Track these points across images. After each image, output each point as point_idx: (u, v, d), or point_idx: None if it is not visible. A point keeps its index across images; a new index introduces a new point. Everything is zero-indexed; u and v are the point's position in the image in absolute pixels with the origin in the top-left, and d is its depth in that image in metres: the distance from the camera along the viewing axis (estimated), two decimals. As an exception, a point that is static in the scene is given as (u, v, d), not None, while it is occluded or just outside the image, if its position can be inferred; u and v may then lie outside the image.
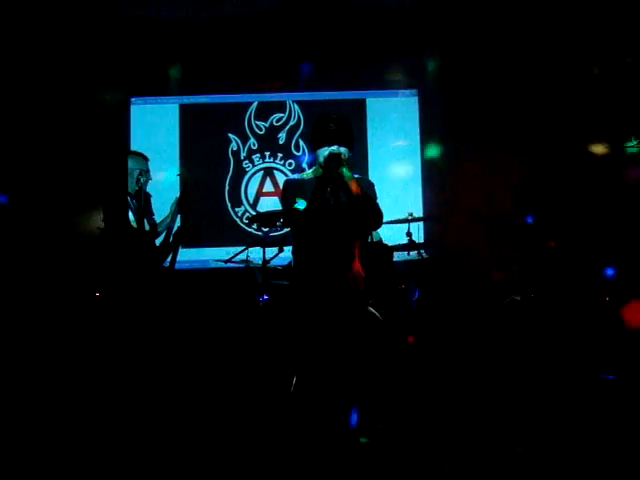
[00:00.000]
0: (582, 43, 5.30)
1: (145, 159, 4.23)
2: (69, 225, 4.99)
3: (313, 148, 3.14)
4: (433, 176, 5.83)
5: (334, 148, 3.00)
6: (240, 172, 5.92)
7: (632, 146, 4.92)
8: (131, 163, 4.13)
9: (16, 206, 4.99)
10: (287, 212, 3.11)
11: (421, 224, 5.02)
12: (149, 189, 4.27)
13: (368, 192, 3.05)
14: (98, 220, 4.01)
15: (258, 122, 5.95)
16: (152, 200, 4.31)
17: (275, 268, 4.64)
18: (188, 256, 5.54)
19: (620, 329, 4.24)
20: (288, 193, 3.09)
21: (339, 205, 3.00)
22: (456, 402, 3.53)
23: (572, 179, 5.24)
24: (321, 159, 3.04)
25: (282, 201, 3.17)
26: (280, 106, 5.97)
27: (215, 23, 5.64)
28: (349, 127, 3.11)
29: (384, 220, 3.13)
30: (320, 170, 3.04)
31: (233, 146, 5.92)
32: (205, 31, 5.68)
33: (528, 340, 4.48)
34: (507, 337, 4.62)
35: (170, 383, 3.77)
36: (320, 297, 3.00)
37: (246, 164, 5.92)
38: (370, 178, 5.60)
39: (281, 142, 5.95)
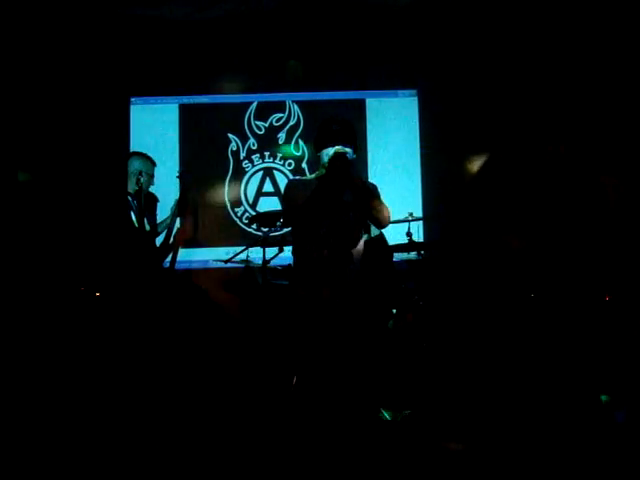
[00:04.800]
0: (583, 43, 5.31)
1: (152, 164, 4.23)
2: (69, 225, 4.99)
3: (317, 149, 3.15)
4: (433, 176, 5.83)
5: (339, 147, 3.00)
6: (240, 172, 5.92)
7: None
8: (137, 164, 4.13)
9: (17, 206, 4.99)
10: (288, 210, 3.11)
11: (421, 224, 5.02)
12: (152, 191, 4.28)
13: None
14: (98, 220, 4.02)
15: (258, 122, 5.95)
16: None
17: (275, 268, 4.64)
18: (188, 256, 5.54)
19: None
20: (290, 192, 3.09)
21: (343, 204, 3.00)
22: (457, 402, 3.53)
23: (576, 181, 5.24)
24: (325, 159, 3.04)
25: (283, 201, 3.18)
26: (280, 106, 5.97)
27: (215, 23, 5.65)
28: (353, 129, 3.14)
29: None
30: (323, 171, 3.04)
31: (233, 146, 5.93)
32: (205, 31, 5.68)
33: (528, 340, 4.49)
34: (507, 337, 4.62)
35: (170, 383, 3.78)
36: (320, 298, 3.00)
37: (246, 164, 5.93)
38: (370, 178, 5.67)
39: (281, 142, 5.95)
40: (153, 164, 4.24)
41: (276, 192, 5.87)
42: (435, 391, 3.70)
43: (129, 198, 4.05)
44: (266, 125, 5.96)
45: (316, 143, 3.17)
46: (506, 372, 4.06)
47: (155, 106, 5.86)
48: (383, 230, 4.20)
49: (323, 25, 5.72)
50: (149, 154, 4.33)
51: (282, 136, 5.94)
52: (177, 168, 5.74)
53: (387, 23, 5.68)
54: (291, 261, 3.34)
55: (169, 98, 5.87)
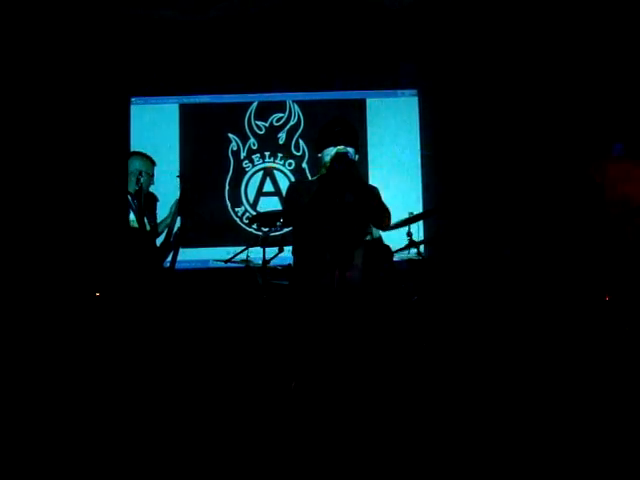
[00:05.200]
0: (583, 42, 5.31)
1: (152, 163, 4.24)
2: (69, 225, 4.99)
3: (318, 150, 3.15)
4: (433, 176, 5.83)
5: (340, 148, 3.00)
6: (240, 172, 5.92)
7: None
8: (137, 164, 4.14)
9: (17, 206, 4.99)
10: (289, 210, 3.11)
11: (421, 224, 5.02)
12: (152, 190, 4.29)
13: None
14: (98, 220, 4.02)
15: (258, 122, 5.95)
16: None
17: (275, 268, 4.64)
18: (188, 256, 5.54)
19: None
20: (292, 194, 3.10)
21: (344, 205, 2.99)
22: (456, 400, 3.54)
23: (576, 177, 5.24)
24: (327, 159, 3.04)
25: (285, 203, 3.18)
26: (280, 106, 5.97)
27: (215, 23, 5.65)
28: (355, 130, 3.15)
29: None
30: (324, 170, 3.04)
31: (233, 146, 5.92)
32: (205, 31, 5.68)
33: (529, 338, 4.49)
34: (507, 336, 4.62)
35: (170, 383, 3.78)
36: (320, 298, 3.00)
37: (246, 164, 5.93)
38: (370, 178, 5.68)
39: (281, 142, 5.95)
40: (153, 163, 4.25)
41: (276, 192, 5.87)
42: (435, 391, 3.70)
43: (129, 198, 4.06)
44: (266, 125, 5.95)
45: (318, 143, 3.18)
46: (506, 371, 4.06)
47: (155, 106, 5.87)
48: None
49: (323, 25, 5.73)
50: (149, 154, 4.33)
51: (282, 136, 5.94)
52: (177, 168, 5.75)
53: (387, 23, 5.68)
54: (291, 261, 3.34)
55: (169, 98, 5.87)
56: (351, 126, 3.17)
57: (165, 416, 3.34)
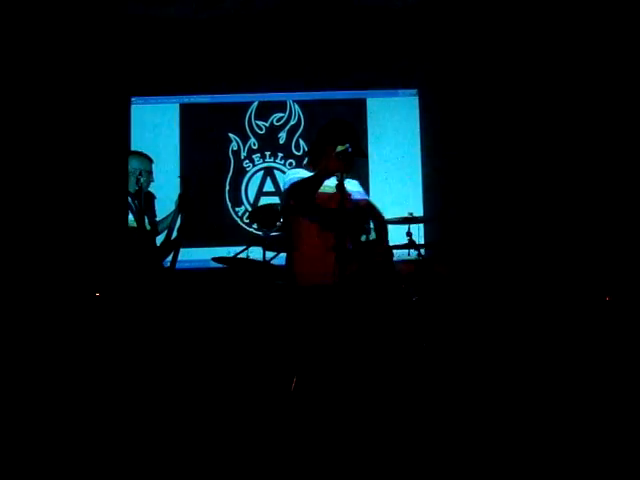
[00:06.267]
0: (583, 42, 5.31)
1: (150, 161, 4.25)
2: (69, 225, 4.99)
3: (320, 149, 3.16)
4: (433, 176, 5.83)
5: (340, 147, 3.00)
6: (240, 172, 5.92)
7: None
8: (135, 163, 4.15)
9: (16, 206, 4.99)
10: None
11: (421, 224, 5.02)
12: (153, 190, 4.29)
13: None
14: (98, 221, 4.02)
15: (258, 122, 5.95)
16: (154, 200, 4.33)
17: (275, 268, 4.63)
18: (188, 256, 5.54)
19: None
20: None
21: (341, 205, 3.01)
22: (456, 401, 3.54)
23: (576, 182, 5.24)
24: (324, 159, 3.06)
25: (283, 198, 3.20)
26: (280, 106, 5.97)
27: (215, 23, 5.65)
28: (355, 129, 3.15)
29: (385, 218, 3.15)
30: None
31: (233, 146, 5.93)
32: (205, 31, 5.68)
33: (529, 338, 4.49)
34: (508, 337, 4.62)
35: (171, 383, 3.78)
36: (320, 297, 3.01)
37: (246, 164, 5.93)
38: (370, 178, 5.69)
39: (281, 142, 5.95)
40: (151, 161, 4.25)
41: (277, 192, 5.87)
42: (435, 391, 3.70)
43: (129, 198, 4.06)
44: (267, 125, 5.96)
45: (319, 142, 3.19)
46: (506, 372, 4.06)
47: (155, 106, 5.87)
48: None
49: (324, 25, 5.72)
50: (149, 154, 4.33)
51: (283, 136, 5.94)
52: (177, 168, 5.76)
53: (388, 23, 5.68)
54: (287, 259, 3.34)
55: (169, 98, 5.87)
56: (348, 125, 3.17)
57: (165, 416, 3.34)
